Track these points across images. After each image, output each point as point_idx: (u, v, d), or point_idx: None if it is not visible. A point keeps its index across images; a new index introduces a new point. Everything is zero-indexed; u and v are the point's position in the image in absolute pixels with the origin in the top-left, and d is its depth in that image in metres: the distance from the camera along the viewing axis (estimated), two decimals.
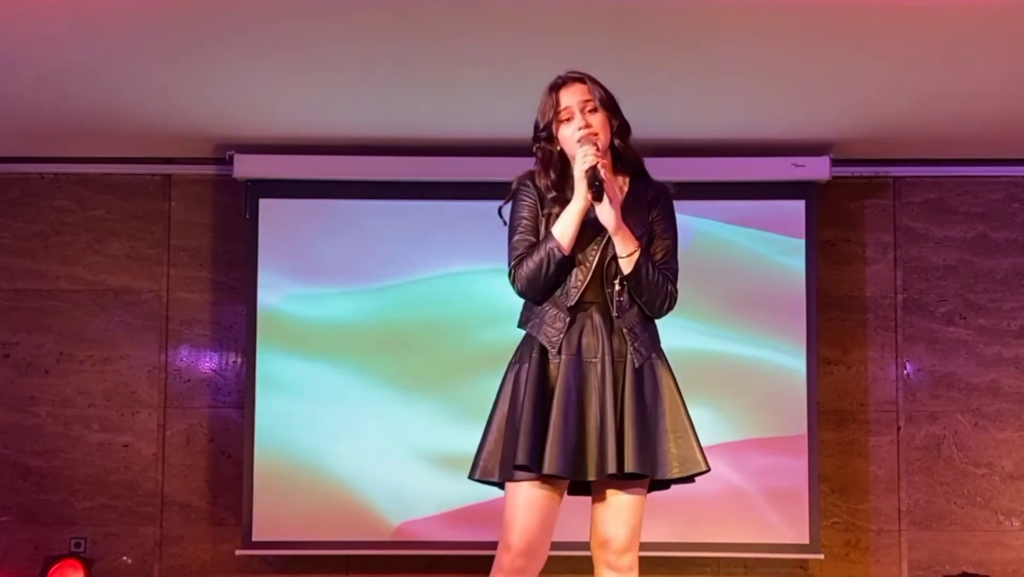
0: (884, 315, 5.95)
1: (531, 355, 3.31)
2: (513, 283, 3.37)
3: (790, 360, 5.71)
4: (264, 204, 5.83)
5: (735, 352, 5.72)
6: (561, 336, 3.30)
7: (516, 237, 3.38)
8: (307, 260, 5.82)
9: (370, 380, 5.76)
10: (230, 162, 5.83)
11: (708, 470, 3.32)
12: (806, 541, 5.65)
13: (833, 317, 5.91)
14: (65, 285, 5.97)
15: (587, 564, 3.42)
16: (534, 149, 3.42)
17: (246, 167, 5.82)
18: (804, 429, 5.68)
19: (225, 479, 5.87)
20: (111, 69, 4.92)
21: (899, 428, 5.91)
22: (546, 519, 3.29)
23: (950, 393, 5.91)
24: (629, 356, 3.31)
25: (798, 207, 5.79)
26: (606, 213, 3.26)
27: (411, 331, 5.78)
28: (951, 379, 5.92)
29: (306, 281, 5.81)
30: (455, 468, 5.59)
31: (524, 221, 3.38)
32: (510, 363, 3.40)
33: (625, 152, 3.41)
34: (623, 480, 3.27)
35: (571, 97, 3.35)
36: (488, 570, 3.36)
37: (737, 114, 5.45)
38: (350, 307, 5.80)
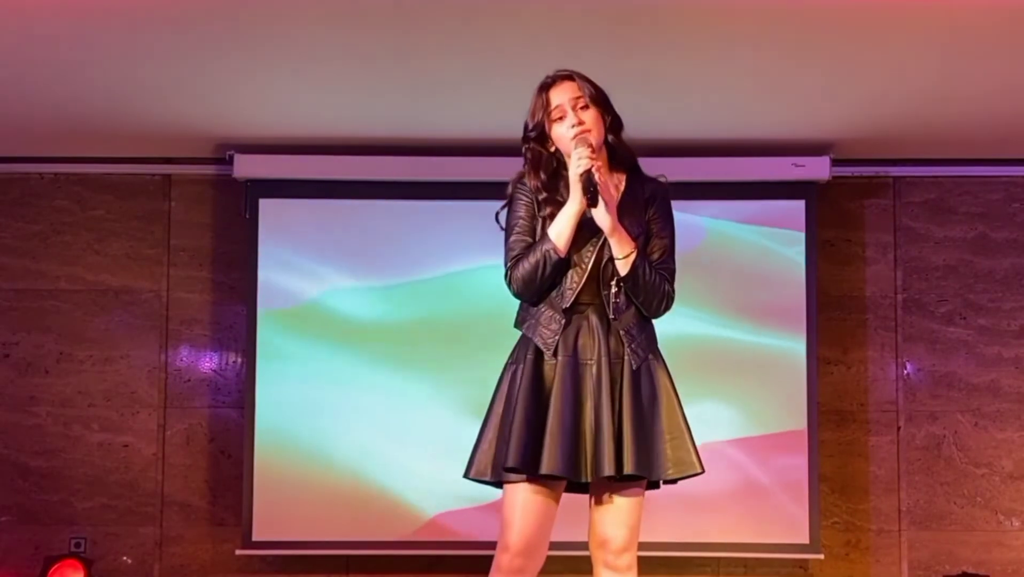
0: (884, 315, 5.95)
1: (526, 356, 3.31)
2: (509, 284, 3.37)
3: (790, 360, 5.71)
4: (264, 204, 5.83)
5: (735, 351, 5.71)
6: (557, 338, 3.30)
7: (512, 238, 3.38)
8: (307, 260, 5.82)
9: (370, 380, 5.76)
10: (230, 162, 5.83)
11: (702, 472, 3.32)
12: (806, 541, 5.65)
13: (833, 317, 5.91)
14: (65, 285, 5.97)
15: (586, 564, 3.42)
16: (524, 150, 3.41)
17: (246, 167, 5.82)
18: (804, 429, 5.68)
19: (225, 479, 5.87)
20: (111, 69, 4.92)
21: (899, 428, 5.91)
22: (544, 519, 3.29)
23: (950, 393, 5.91)
24: (626, 357, 3.30)
25: (798, 207, 5.79)
26: (602, 216, 3.25)
27: (411, 331, 5.78)
28: (951, 379, 5.92)
29: (306, 281, 5.81)
30: (457, 467, 5.61)
31: (521, 221, 3.37)
32: (507, 363, 3.39)
33: (618, 147, 3.40)
34: (621, 480, 3.27)
35: (561, 95, 3.34)
36: (487, 569, 3.36)
37: (737, 114, 5.45)
38: (350, 307, 5.80)
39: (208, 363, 5.95)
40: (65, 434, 5.90)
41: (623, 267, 3.29)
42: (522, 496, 3.27)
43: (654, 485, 3.38)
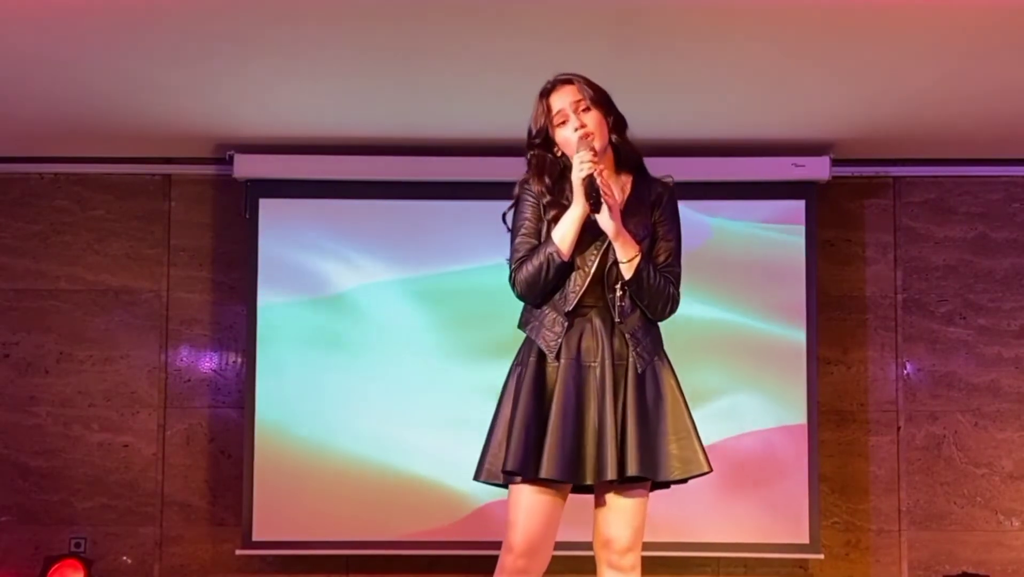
0: (884, 315, 5.95)
1: (529, 358, 3.32)
2: (513, 286, 3.37)
3: (790, 360, 5.71)
4: (264, 204, 5.83)
5: (734, 351, 5.72)
6: (559, 340, 3.30)
7: (518, 240, 3.38)
8: (307, 260, 5.82)
9: (370, 380, 5.76)
10: (230, 162, 5.83)
11: (710, 471, 3.32)
12: (806, 541, 5.65)
13: (833, 317, 5.91)
14: (65, 285, 5.97)
15: (588, 564, 3.43)
16: (528, 156, 3.41)
17: (246, 167, 5.82)
18: (804, 430, 5.68)
19: (225, 479, 5.87)
20: (111, 69, 4.92)
21: (899, 428, 5.91)
22: (549, 520, 3.29)
23: (950, 393, 5.91)
24: (631, 359, 3.30)
25: (798, 207, 5.79)
26: (605, 221, 3.25)
27: (411, 330, 5.78)
28: (951, 379, 5.92)
29: (306, 281, 5.81)
30: (456, 469, 5.61)
31: (527, 223, 3.37)
32: (512, 365, 3.40)
33: (623, 147, 3.40)
34: (625, 481, 3.27)
35: (562, 100, 3.35)
36: (487, 569, 3.36)
37: (737, 114, 5.45)
38: (350, 307, 5.80)
39: (208, 363, 5.95)
40: (65, 434, 5.90)
41: (627, 271, 3.29)
42: (527, 497, 3.27)
43: (664, 485, 3.38)
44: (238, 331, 5.91)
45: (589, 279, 3.31)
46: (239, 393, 5.86)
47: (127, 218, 6.01)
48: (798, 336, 5.72)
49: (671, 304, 3.37)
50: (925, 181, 6.01)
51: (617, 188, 3.35)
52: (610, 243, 3.29)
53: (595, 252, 3.32)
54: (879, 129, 5.58)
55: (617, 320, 3.31)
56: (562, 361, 3.29)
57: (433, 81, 5.06)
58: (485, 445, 3.36)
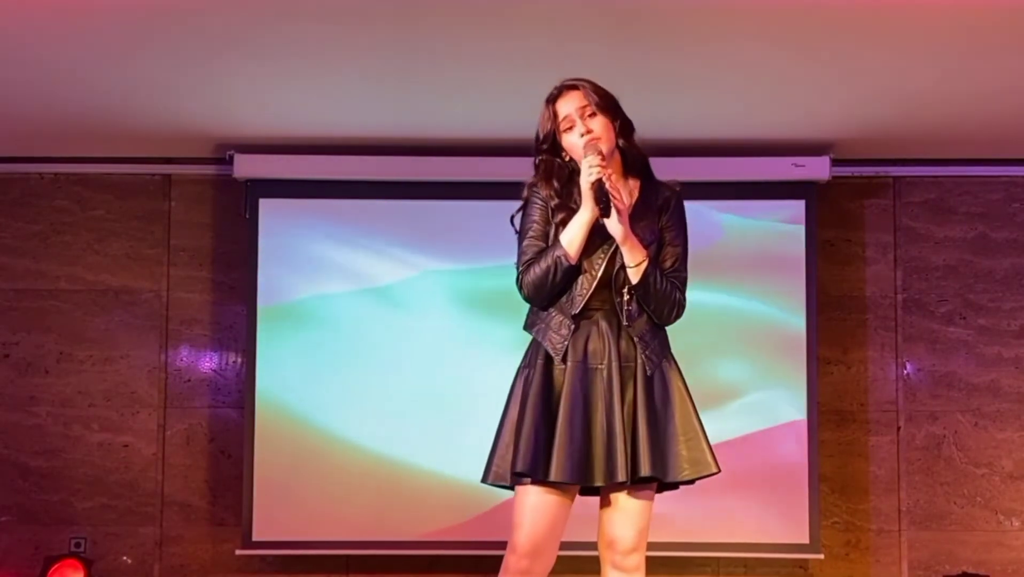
0: (884, 315, 5.95)
1: (537, 361, 3.33)
2: (520, 288, 3.38)
3: (790, 359, 5.71)
4: (264, 204, 5.83)
5: (734, 350, 5.72)
6: (566, 343, 3.31)
7: (525, 242, 3.38)
8: (307, 260, 5.82)
9: (371, 380, 5.76)
10: (230, 162, 5.83)
11: (718, 472, 3.33)
12: (806, 541, 5.65)
13: (833, 317, 5.91)
14: (65, 285, 5.97)
15: (589, 564, 3.43)
16: (536, 161, 3.42)
17: (246, 167, 5.82)
18: (804, 429, 5.68)
19: (225, 479, 5.87)
20: (111, 69, 4.92)
21: (899, 428, 5.91)
22: (555, 522, 3.29)
23: (950, 393, 5.91)
24: (639, 362, 3.32)
25: (798, 207, 5.79)
26: (614, 225, 3.26)
27: (411, 330, 5.78)
28: (951, 379, 5.92)
29: (306, 281, 5.81)
30: (457, 470, 5.61)
31: (535, 226, 3.38)
32: (519, 367, 3.41)
33: (630, 151, 3.41)
34: (633, 483, 3.28)
35: (568, 105, 3.35)
36: (488, 570, 3.36)
37: (737, 114, 5.45)
38: (350, 307, 5.80)
39: (208, 363, 5.95)
40: (65, 434, 5.90)
41: (635, 275, 3.30)
42: (533, 498, 3.28)
43: (673, 486, 3.39)
44: (238, 331, 5.91)
45: (596, 282, 3.32)
46: (239, 393, 5.86)
47: (127, 218, 6.01)
48: (798, 336, 5.72)
49: (677, 309, 3.39)
50: (925, 181, 6.01)
51: (625, 192, 3.35)
52: (617, 247, 3.30)
53: (602, 256, 3.33)
54: (879, 129, 5.58)
55: (625, 323, 3.32)
56: (569, 363, 3.30)
57: (433, 81, 5.06)
58: (492, 447, 3.37)
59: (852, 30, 4.50)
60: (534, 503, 3.27)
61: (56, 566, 5.49)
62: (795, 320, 5.73)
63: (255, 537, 5.67)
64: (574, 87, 3.37)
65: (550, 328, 3.34)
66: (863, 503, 5.87)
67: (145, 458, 5.91)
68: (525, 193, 3.43)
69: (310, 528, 5.70)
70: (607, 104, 3.36)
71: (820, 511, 5.70)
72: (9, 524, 5.86)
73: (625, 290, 3.32)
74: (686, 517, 5.52)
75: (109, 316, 5.96)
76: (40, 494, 5.87)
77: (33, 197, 6.01)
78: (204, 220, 6.01)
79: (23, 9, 4.32)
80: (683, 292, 3.40)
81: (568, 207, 3.33)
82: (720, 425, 5.63)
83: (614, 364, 3.29)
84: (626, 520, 3.32)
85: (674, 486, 3.39)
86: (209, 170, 5.99)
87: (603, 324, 3.33)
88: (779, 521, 5.67)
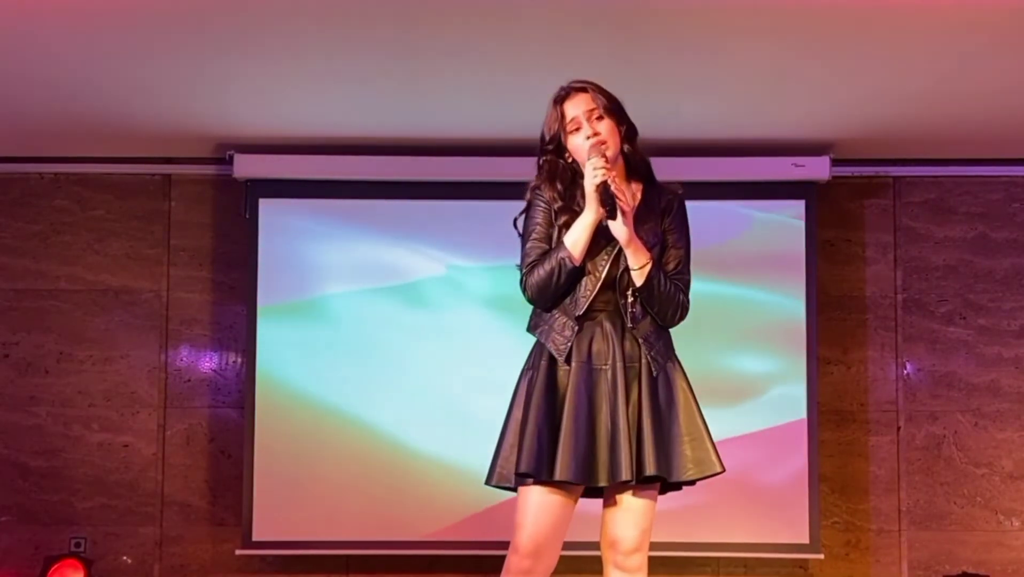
0: (884, 315, 5.95)
1: (540, 362, 3.34)
2: (524, 290, 3.39)
3: (789, 359, 5.71)
4: (264, 204, 5.83)
5: (734, 350, 5.72)
6: (570, 344, 3.32)
7: (529, 244, 3.39)
8: (307, 260, 5.82)
9: (371, 380, 5.76)
10: (230, 162, 5.83)
11: (723, 471, 3.34)
12: (806, 541, 5.65)
13: (833, 317, 5.91)
14: (65, 285, 5.97)
15: (589, 564, 3.43)
16: (540, 162, 3.43)
17: (246, 167, 5.81)
18: (804, 429, 5.68)
19: (225, 479, 5.87)
20: (111, 69, 4.92)
21: (899, 428, 5.91)
22: (557, 523, 3.30)
23: (950, 393, 5.91)
24: (644, 362, 3.33)
25: (798, 207, 5.79)
26: (619, 227, 3.27)
27: (411, 331, 5.78)
28: (951, 379, 5.92)
29: (306, 281, 5.81)
30: (457, 470, 5.61)
31: (538, 228, 3.39)
32: (523, 368, 3.42)
33: (633, 155, 3.42)
34: (636, 483, 3.29)
35: (576, 107, 3.37)
36: (488, 570, 3.37)
37: (737, 114, 5.45)
38: (350, 307, 5.80)
39: (208, 363, 5.95)
40: (65, 434, 5.90)
41: (639, 278, 3.31)
42: (536, 499, 3.28)
43: (675, 487, 3.40)
44: (238, 331, 5.91)
45: (600, 284, 3.33)
46: (239, 393, 5.86)
47: (127, 218, 6.01)
48: (798, 336, 5.72)
49: (681, 311, 3.41)
50: (925, 181, 6.01)
51: (628, 196, 3.36)
52: (620, 249, 3.31)
53: (606, 257, 3.34)
54: (879, 129, 5.58)
55: (629, 325, 3.33)
56: (573, 364, 3.31)
57: (433, 81, 5.06)
58: (496, 449, 3.38)
59: (852, 30, 4.51)
60: (537, 503, 3.27)
61: (56, 566, 5.49)
62: (795, 320, 5.73)
63: (255, 537, 5.67)
64: (582, 89, 3.38)
65: (553, 329, 3.35)
66: (863, 503, 5.87)
67: (145, 458, 5.91)
68: (528, 196, 3.44)
69: (310, 528, 5.70)
70: (614, 108, 3.38)
71: (820, 511, 5.70)
72: (9, 524, 5.86)
73: (629, 292, 3.33)
74: (686, 517, 5.51)
75: (109, 316, 5.96)
76: (40, 494, 5.87)
77: (33, 197, 6.01)
78: (204, 220, 6.01)
79: (23, 9, 4.32)
80: (687, 294, 3.41)
81: (571, 209, 3.34)
82: (720, 425, 5.59)
83: (618, 365, 3.30)
84: (629, 520, 3.33)
85: (677, 487, 3.40)
86: (209, 170, 5.99)
87: (607, 325, 3.34)
88: (779, 521, 5.67)
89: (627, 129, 3.39)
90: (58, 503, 5.86)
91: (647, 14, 4.40)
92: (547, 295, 3.35)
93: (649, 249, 3.33)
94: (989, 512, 5.86)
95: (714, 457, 3.34)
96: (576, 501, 3.34)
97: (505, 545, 3.33)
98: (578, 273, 3.32)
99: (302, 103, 5.36)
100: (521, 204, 3.46)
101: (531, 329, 3.43)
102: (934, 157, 5.95)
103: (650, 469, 3.25)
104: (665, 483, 3.35)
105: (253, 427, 5.71)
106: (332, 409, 5.74)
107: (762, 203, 5.80)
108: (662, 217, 3.41)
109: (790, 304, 5.74)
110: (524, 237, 3.41)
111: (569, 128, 3.37)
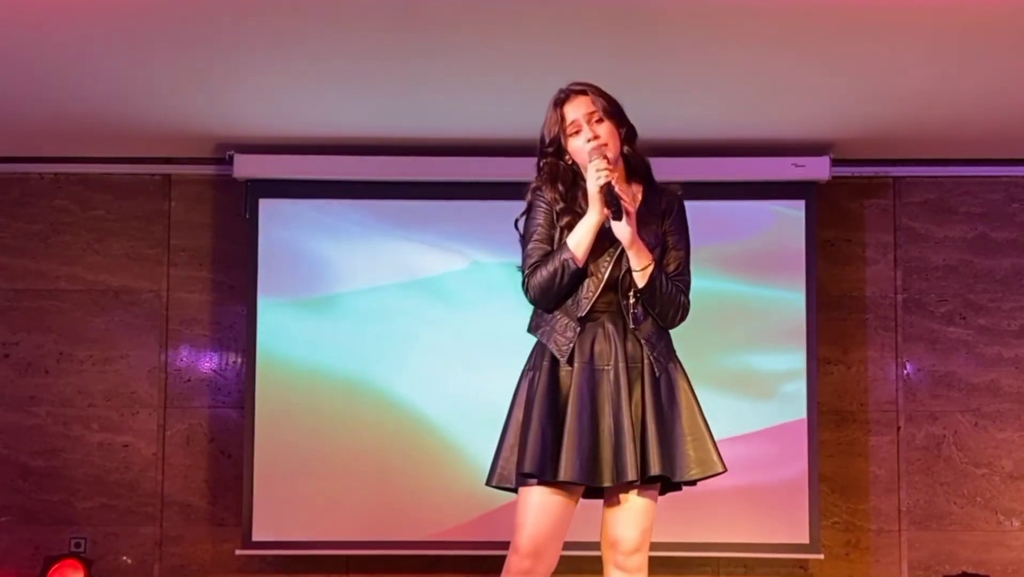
0: (884, 315, 5.95)
1: (542, 363, 3.34)
2: (526, 291, 3.40)
3: (790, 359, 5.71)
4: (264, 204, 5.83)
5: (734, 349, 5.72)
6: (572, 345, 3.32)
7: (531, 245, 3.39)
8: (307, 260, 5.82)
9: (371, 380, 5.76)
10: (230, 162, 5.83)
11: (725, 471, 3.35)
12: (806, 541, 5.65)
13: (833, 317, 5.91)
14: (65, 285, 5.97)
15: (589, 564, 3.43)
16: (540, 164, 3.43)
17: (246, 167, 5.81)
18: (804, 429, 5.68)
19: (225, 479, 5.87)
20: (111, 69, 4.92)
21: (899, 428, 5.91)
22: (558, 523, 3.30)
23: (950, 393, 5.91)
24: (647, 363, 3.34)
25: (798, 207, 5.79)
26: (622, 229, 3.28)
27: (412, 331, 5.78)
28: (951, 379, 5.92)
29: (306, 281, 5.81)
30: (457, 470, 5.61)
31: (540, 229, 3.39)
32: (524, 369, 3.42)
33: (633, 157, 3.43)
34: (639, 483, 3.29)
35: (576, 110, 3.37)
36: (488, 570, 3.37)
37: (737, 114, 5.46)
38: (350, 307, 5.80)
39: (208, 363, 5.95)
40: (65, 434, 5.90)
41: (641, 279, 3.32)
42: (536, 499, 3.28)
43: (675, 488, 3.40)
44: (238, 331, 5.91)
45: (602, 285, 3.34)
46: (239, 393, 5.86)
47: (127, 218, 6.01)
48: (798, 335, 5.72)
49: (682, 312, 3.42)
50: (925, 181, 6.01)
51: (629, 197, 3.36)
52: (622, 250, 3.32)
53: (608, 259, 3.34)
54: (879, 129, 5.58)
55: (631, 326, 3.34)
56: (576, 365, 3.31)
57: (433, 81, 5.06)
58: (497, 450, 3.39)
59: (852, 30, 4.51)
60: (538, 504, 3.28)
61: (56, 566, 5.49)
62: (795, 320, 5.73)
63: (255, 537, 5.67)
64: (582, 92, 3.39)
65: (555, 331, 3.35)
66: (863, 503, 5.87)
67: (145, 458, 5.91)
68: (528, 197, 3.44)
69: (310, 528, 5.70)
70: (614, 110, 3.38)
71: (820, 511, 5.70)
72: (9, 524, 5.86)
73: (631, 293, 3.34)
74: (686, 517, 5.51)
75: (109, 316, 5.96)
76: (40, 494, 5.87)
77: (33, 197, 6.01)
78: (204, 220, 6.01)
79: (24, 9, 4.32)
80: (687, 295, 3.43)
81: (573, 211, 3.35)
82: (720, 425, 5.61)
83: (621, 365, 3.30)
84: (630, 521, 3.33)
85: (677, 487, 3.41)
86: (209, 170, 5.99)
87: (609, 326, 3.34)
88: (779, 521, 5.67)
89: (627, 131, 3.40)
90: (58, 503, 5.86)
91: (647, 14, 4.40)
92: (550, 296, 3.35)
93: (650, 250, 3.34)
94: (989, 512, 5.86)
95: (716, 457, 3.34)
96: (577, 502, 3.35)
97: (505, 545, 3.33)
98: (581, 274, 3.32)
99: (302, 103, 5.36)
100: (521, 205, 3.47)
101: (532, 330, 3.43)
102: (934, 157, 5.95)
103: (654, 469, 3.25)
104: (666, 483, 3.36)
105: (253, 427, 5.71)
106: (332, 409, 5.74)
107: (762, 203, 5.80)
108: (662, 218, 3.42)
109: (790, 304, 5.74)
110: (525, 238, 3.41)
111: (569, 131, 3.37)
